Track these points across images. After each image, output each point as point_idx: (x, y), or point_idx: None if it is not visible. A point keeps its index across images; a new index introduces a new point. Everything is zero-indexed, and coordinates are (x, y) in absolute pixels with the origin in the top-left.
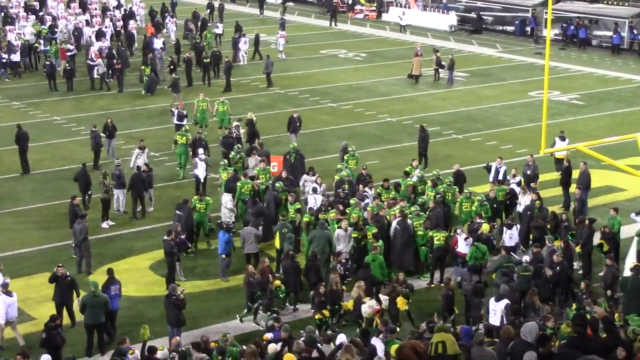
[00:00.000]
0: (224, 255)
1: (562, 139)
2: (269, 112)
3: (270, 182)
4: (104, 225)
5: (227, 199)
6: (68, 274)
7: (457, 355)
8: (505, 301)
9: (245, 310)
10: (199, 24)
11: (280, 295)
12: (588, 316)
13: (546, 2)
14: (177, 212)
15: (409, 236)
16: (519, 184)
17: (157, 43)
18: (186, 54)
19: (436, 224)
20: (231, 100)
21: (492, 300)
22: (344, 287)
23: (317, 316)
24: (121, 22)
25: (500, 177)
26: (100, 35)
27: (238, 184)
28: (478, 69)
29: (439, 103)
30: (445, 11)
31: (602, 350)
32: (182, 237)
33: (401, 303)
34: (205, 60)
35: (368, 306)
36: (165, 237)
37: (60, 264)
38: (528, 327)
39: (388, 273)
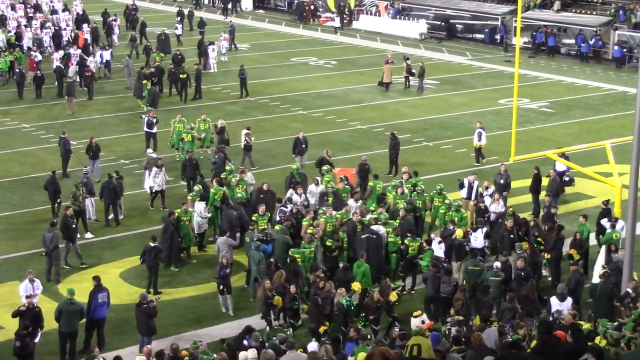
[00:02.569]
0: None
1: (482, 129)
2: (240, 119)
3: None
4: (87, 235)
5: (200, 207)
6: (35, 303)
7: None
8: (570, 299)
9: (268, 328)
10: (139, 26)
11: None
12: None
13: (515, 10)
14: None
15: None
16: (492, 196)
17: (105, 55)
18: (155, 62)
19: (408, 230)
20: (202, 109)
21: (554, 300)
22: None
23: (321, 328)
24: (71, 27)
25: (474, 193)
26: (57, 38)
27: (211, 190)
28: (448, 76)
29: (409, 110)
30: (396, 16)
31: (568, 356)
32: (227, 271)
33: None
34: (181, 76)
35: (420, 321)
36: (150, 244)
37: (29, 294)
38: (487, 333)
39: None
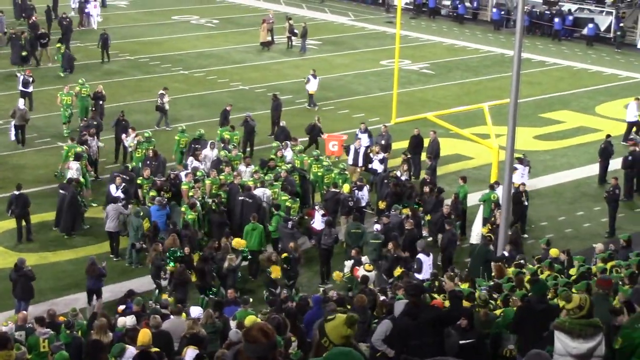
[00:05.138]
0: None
1: (315, 76)
2: (119, 79)
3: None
4: None
5: (74, 167)
6: None
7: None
8: (432, 254)
9: (157, 290)
10: None
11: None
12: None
13: None
14: (61, 191)
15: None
16: (381, 161)
17: None
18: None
19: (290, 192)
20: (78, 67)
21: (422, 257)
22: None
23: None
24: None
25: (360, 159)
26: None
27: (65, 147)
28: (330, 37)
29: (291, 71)
30: None
31: (435, 321)
32: (103, 267)
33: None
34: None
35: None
36: (16, 192)
37: None
38: (397, 304)
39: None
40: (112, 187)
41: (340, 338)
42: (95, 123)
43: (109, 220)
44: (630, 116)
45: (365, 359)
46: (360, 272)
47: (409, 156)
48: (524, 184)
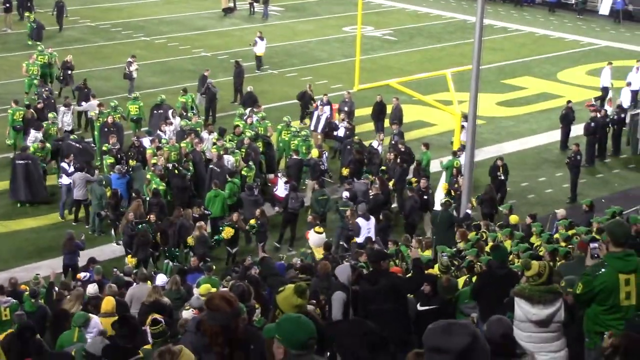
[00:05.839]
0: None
1: (261, 38)
2: (79, 45)
3: None
4: None
5: (33, 136)
6: None
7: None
8: (373, 218)
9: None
10: None
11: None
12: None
13: None
14: (21, 161)
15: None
16: (347, 127)
17: None
18: None
19: (254, 160)
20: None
21: (361, 221)
22: None
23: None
24: None
25: (321, 125)
26: None
27: (9, 110)
28: (293, 3)
29: (254, 38)
30: None
31: (394, 288)
32: (82, 241)
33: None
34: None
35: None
36: None
37: None
38: (340, 269)
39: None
40: (64, 165)
41: (292, 308)
42: (46, 89)
43: (77, 189)
44: (604, 81)
45: (318, 326)
46: (311, 235)
47: (353, 125)
48: (501, 159)
